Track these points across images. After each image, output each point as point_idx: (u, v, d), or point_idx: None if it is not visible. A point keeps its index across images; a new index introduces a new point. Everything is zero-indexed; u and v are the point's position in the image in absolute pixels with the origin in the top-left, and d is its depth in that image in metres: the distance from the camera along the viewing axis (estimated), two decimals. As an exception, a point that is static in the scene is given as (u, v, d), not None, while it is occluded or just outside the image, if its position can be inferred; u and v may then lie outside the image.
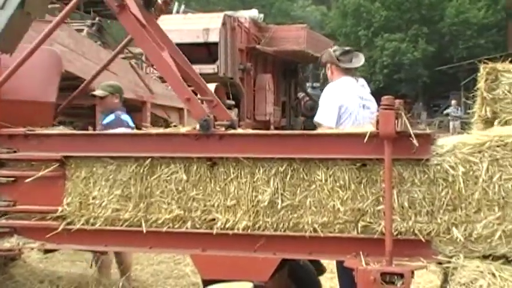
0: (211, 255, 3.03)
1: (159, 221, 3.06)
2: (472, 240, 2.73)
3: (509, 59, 2.96)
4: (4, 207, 3.23)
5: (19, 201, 3.22)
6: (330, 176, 2.88)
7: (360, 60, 4.39)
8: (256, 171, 2.96)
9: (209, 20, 15.00)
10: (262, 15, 18.83)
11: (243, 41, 15.87)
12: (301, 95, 21.07)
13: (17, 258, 5.29)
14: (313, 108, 17.04)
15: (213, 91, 4.03)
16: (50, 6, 8.15)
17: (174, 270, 5.92)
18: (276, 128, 16.25)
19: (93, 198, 3.14)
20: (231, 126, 3.22)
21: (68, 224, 3.16)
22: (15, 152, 3.24)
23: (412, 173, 2.80)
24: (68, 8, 3.40)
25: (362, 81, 4.40)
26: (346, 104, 4.07)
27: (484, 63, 2.94)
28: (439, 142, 2.80)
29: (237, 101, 14.85)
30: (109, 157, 3.13)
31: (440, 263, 2.79)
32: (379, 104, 2.76)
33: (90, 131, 5.46)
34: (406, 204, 2.80)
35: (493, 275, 2.58)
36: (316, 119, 4.16)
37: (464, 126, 4.94)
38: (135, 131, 4.29)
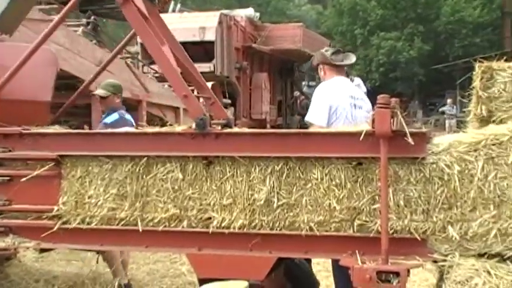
0: (207, 254, 3.03)
1: (155, 220, 3.06)
2: (467, 239, 2.74)
3: (505, 57, 2.96)
4: (-1, 207, 3.22)
5: (14, 201, 3.22)
6: (326, 175, 2.89)
7: (351, 59, 4.43)
8: (252, 170, 2.96)
9: (205, 18, 14.97)
10: (258, 14, 18.80)
11: (239, 40, 15.85)
12: (297, 93, 21.08)
13: (13, 257, 5.30)
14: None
15: (209, 90, 4.02)
16: (47, 6, 8.15)
17: (170, 269, 5.92)
18: (272, 127, 16.24)
19: (89, 197, 3.14)
20: (227, 125, 3.22)
21: (64, 223, 3.15)
22: (10, 151, 3.23)
23: (407, 171, 2.80)
24: (67, 8, 3.39)
25: (358, 80, 4.42)
26: (337, 103, 4.08)
27: (480, 61, 2.94)
28: (434, 141, 2.81)
29: (233, 100, 14.84)
30: (105, 156, 3.12)
31: (436, 261, 2.79)
32: (374, 103, 2.76)
33: (86, 130, 5.46)
34: (401, 202, 2.81)
35: (488, 273, 2.59)
36: (307, 118, 4.17)
37: (460, 125, 4.95)
38: (131, 129, 4.28)
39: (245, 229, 2.97)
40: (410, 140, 2.71)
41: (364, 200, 2.85)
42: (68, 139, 3.23)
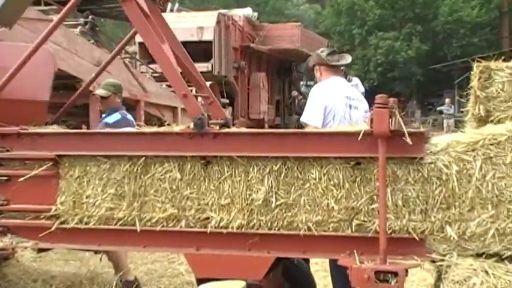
0: (206, 254, 3.02)
1: (153, 220, 3.06)
2: (465, 239, 2.74)
3: (503, 57, 2.96)
4: (-3, 207, 3.22)
5: (12, 200, 3.21)
6: (324, 175, 2.88)
7: (347, 59, 4.44)
8: (251, 169, 2.96)
9: (203, 18, 14.97)
10: (256, 14, 18.79)
11: (237, 40, 15.85)
12: (295, 93, 21.08)
13: (10, 257, 5.29)
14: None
15: (207, 89, 4.02)
16: (46, 8, 8.14)
17: (168, 269, 5.91)
18: (270, 127, 16.25)
19: (87, 197, 3.13)
20: (225, 124, 3.22)
21: (62, 223, 3.15)
22: (8, 151, 3.23)
23: (406, 171, 2.80)
24: (67, 8, 3.37)
25: (356, 80, 4.42)
26: (332, 104, 4.08)
27: (478, 61, 2.94)
28: (433, 140, 2.81)
29: (231, 100, 14.84)
30: (103, 156, 3.12)
31: (434, 261, 2.79)
32: (372, 103, 2.76)
33: (84, 130, 5.45)
34: (400, 202, 2.81)
35: (487, 272, 2.59)
36: (302, 119, 4.17)
37: (458, 125, 4.96)
38: (129, 129, 4.28)
39: (243, 229, 2.97)
40: (408, 139, 2.71)
41: (362, 200, 2.85)
42: (66, 139, 3.22)
